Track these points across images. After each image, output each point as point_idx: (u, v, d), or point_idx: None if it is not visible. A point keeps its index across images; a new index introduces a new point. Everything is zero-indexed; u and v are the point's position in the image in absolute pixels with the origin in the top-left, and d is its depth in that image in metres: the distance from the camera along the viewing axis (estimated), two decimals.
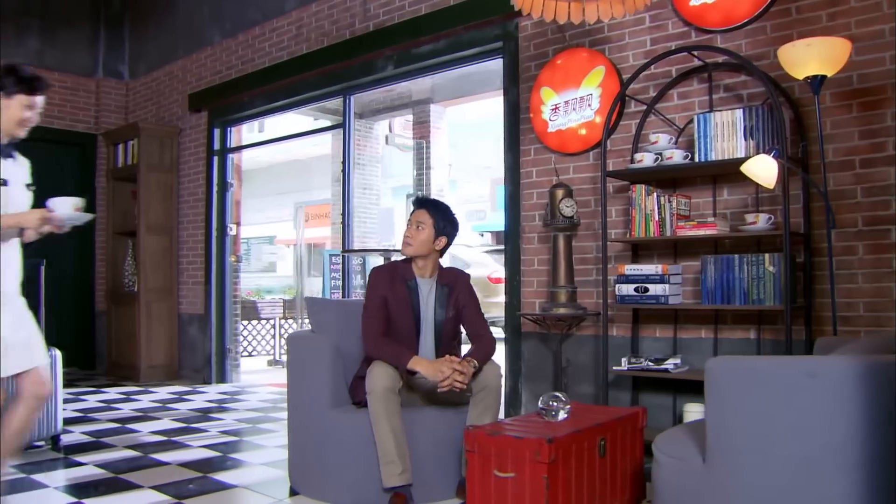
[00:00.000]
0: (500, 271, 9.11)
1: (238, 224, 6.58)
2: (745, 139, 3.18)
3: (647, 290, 3.44)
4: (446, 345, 3.03)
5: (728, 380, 1.96)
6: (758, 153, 3.05)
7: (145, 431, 4.31)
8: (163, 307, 6.61)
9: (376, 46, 5.04)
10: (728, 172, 3.36)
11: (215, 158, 6.46)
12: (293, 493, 3.04)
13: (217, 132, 6.47)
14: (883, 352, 1.97)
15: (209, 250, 6.41)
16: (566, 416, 2.63)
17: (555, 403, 2.66)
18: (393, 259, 4.14)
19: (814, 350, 2.65)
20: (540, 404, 2.70)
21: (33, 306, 2.65)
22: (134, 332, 6.51)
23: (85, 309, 7.24)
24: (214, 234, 6.40)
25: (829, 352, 2.17)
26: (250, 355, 8.39)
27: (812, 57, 2.86)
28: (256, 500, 3.01)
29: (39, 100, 2.52)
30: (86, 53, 7.31)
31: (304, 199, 14.05)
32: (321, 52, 5.44)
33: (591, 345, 3.91)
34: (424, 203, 3.08)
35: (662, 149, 3.47)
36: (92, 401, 5.43)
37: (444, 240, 3.04)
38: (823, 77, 2.90)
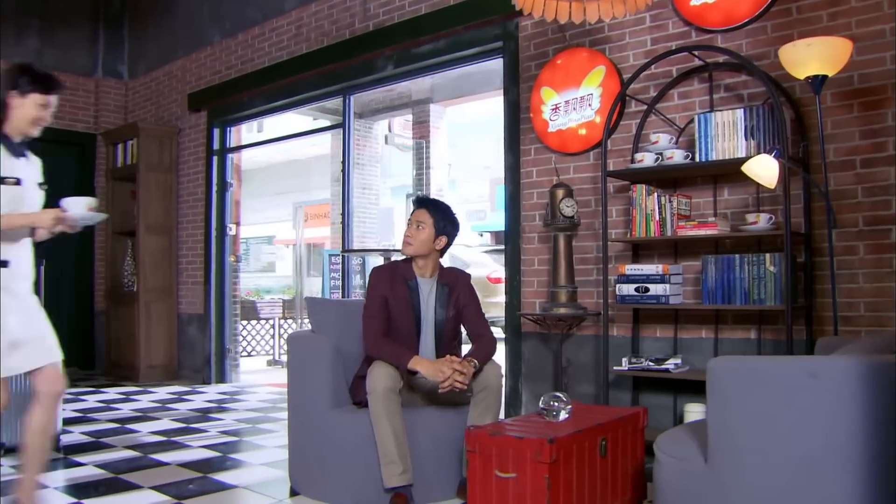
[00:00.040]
0: (499, 271, 9.12)
1: (237, 224, 6.58)
2: (746, 139, 3.17)
3: (647, 290, 3.44)
4: (447, 345, 3.03)
5: (730, 380, 1.96)
6: (759, 153, 3.05)
7: (145, 431, 4.30)
8: (162, 307, 6.61)
9: (376, 46, 5.03)
10: (729, 172, 3.36)
11: (215, 158, 6.45)
12: (293, 493, 3.04)
13: (216, 132, 6.47)
14: (884, 352, 1.97)
15: (208, 250, 6.40)
16: (567, 416, 2.63)
17: (556, 403, 2.65)
18: (393, 259, 4.14)
19: (815, 350, 2.65)
20: (541, 404, 2.70)
21: None
22: (133, 332, 6.51)
23: (84, 309, 7.23)
24: (214, 233, 6.39)
25: (830, 352, 2.17)
26: (249, 355, 8.39)
27: (813, 57, 2.85)
28: (257, 501, 3.00)
29: (53, 99, 2.53)
30: (85, 53, 7.31)
31: (303, 199, 14.04)
32: (321, 52, 5.43)
33: (592, 345, 3.91)
34: (425, 202, 3.08)
35: (663, 149, 3.46)
36: (91, 401, 5.42)
37: (444, 239, 3.04)
38: (824, 77, 2.90)
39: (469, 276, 3.16)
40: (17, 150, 2.48)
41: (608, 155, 3.70)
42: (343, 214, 5.69)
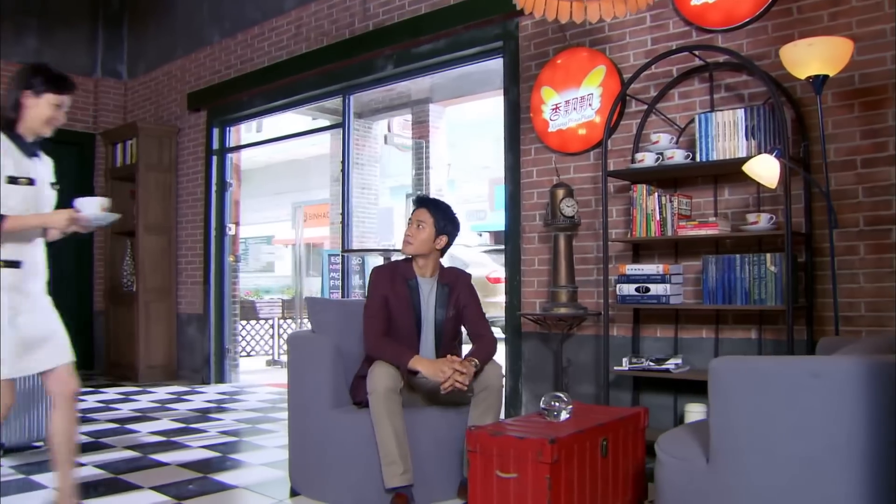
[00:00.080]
0: (498, 271, 9.12)
1: (237, 224, 6.57)
2: (747, 139, 3.17)
3: (648, 289, 3.43)
4: (447, 345, 3.03)
5: (731, 380, 1.95)
6: (759, 153, 3.05)
7: (144, 432, 4.29)
8: (161, 307, 6.60)
9: (376, 46, 5.03)
10: (729, 172, 3.36)
11: (214, 158, 6.45)
12: (294, 493, 3.03)
13: (216, 132, 6.46)
14: (885, 352, 1.97)
15: (208, 250, 6.40)
16: (568, 416, 2.63)
17: (557, 403, 2.65)
18: (393, 259, 4.14)
19: (816, 350, 2.65)
20: (542, 404, 2.69)
21: None
22: (132, 332, 6.50)
23: (83, 309, 7.22)
24: (213, 233, 6.38)
25: (831, 352, 2.17)
26: (249, 355, 8.39)
27: (814, 57, 2.85)
28: (257, 501, 3.00)
29: (67, 99, 2.53)
30: (84, 53, 7.30)
31: (302, 199, 14.05)
32: (320, 52, 5.43)
33: (592, 345, 3.91)
34: (425, 202, 3.08)
35: (663, 148, 3.46)
36: (91, 401, 5.41)
37: (444, 239, 3.03)
38: (825, 77, 2.89)
39: (469, 275, 3.16)
40: (30, 149, 2.48)
41: (608, 155, 3.69)
42: (342, 214, 5.68)
